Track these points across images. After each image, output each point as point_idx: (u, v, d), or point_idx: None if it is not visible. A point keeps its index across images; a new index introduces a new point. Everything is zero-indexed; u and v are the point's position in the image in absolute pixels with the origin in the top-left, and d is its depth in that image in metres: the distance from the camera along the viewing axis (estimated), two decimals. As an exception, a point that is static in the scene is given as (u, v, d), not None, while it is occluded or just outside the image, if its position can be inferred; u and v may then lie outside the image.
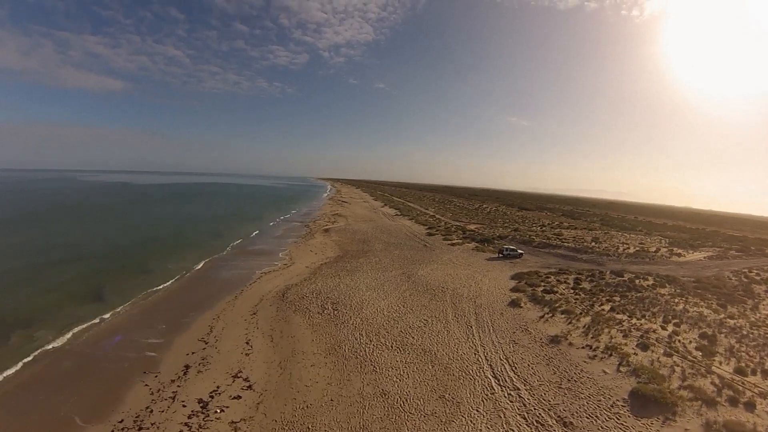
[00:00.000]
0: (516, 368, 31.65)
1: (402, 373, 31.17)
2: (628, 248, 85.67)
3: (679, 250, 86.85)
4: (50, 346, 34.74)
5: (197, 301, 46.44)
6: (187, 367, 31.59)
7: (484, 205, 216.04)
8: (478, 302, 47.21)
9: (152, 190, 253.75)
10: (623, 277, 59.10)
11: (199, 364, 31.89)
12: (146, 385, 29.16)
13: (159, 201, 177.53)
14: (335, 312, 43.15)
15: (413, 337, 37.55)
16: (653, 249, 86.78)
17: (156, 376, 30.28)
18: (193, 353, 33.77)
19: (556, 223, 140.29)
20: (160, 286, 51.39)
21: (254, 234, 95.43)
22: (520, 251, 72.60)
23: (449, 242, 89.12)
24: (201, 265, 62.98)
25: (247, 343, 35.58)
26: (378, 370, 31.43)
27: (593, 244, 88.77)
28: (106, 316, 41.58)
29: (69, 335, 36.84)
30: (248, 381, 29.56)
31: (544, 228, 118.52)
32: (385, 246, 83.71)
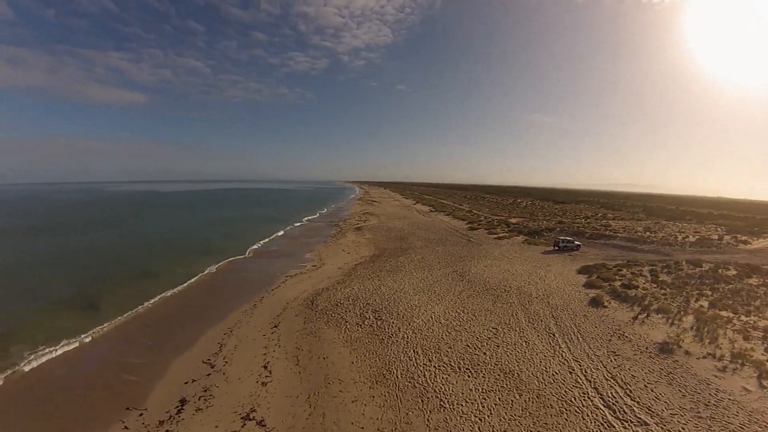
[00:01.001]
0: (631, 391, 24.15)
1: (481, 407, 22.67)
2: (687, 237, 79.34)
3: (744, 237, 79.57)
4: (18, 368, 28.30)
5: (207, 311, 39.04)
6: (183, 401, 23.77)
7: (518, 200, 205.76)
8: (551, 302, 39.82)
9: (174, 197, 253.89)
10: (702, 267, 53.43)
11: (199, 398, 23.98)
12: (126, 428, 21.54)
13: (178, 207, 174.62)
14: (379, 322, 34.53)
15: (484, 353, 29.07)
16: (715, 237, 79.98)
17: (141, 415, 22.68)
18: (193, 381, 25.96)
19: (599, 214, 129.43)
20: (167, 293, 44.45)
21: (278, 235, 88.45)
22: (577, 243, 68.24)
23: (495, 236, 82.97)
24: (215, 268, 55.93)
25: (265, 367, 27.42)
26: (447, 405, 22.81)
27: (648, 233, 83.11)
28: (96, 328, 34.75)
29: (45, 354, 30.29)
30: (264, 426, 21.33)
31: (588, 219, 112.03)
32: (426, 242, 75.48)
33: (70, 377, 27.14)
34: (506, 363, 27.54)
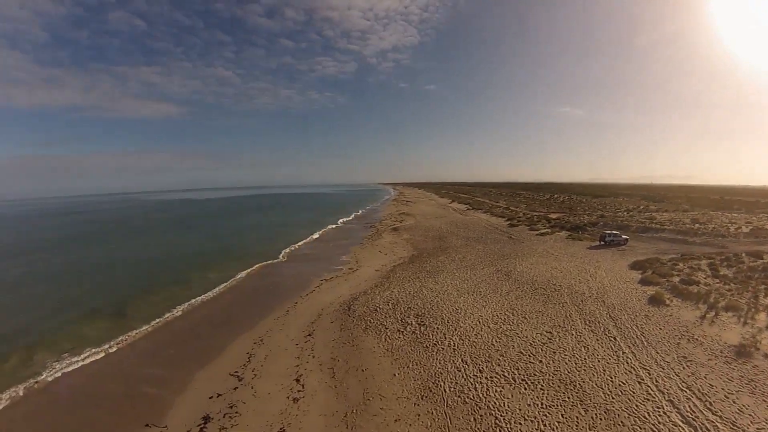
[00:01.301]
0: (711, 404, 20.72)
1: (542, 426, 19.36)
2: (740, 227, 73.31)
3: (803, 226, 72.31)
4: (40, 378, 27.21)
5: (236, 318, 36.99)
6: (206, 419, 21.36)
7: (555, 196, 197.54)
8: (607, 302, 36.06)
9: (207, 205, 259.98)
10: (763, 259, 49.07)
11: (224, 415, 21.47)
12: (144, 450, 19.14)
13: (210, 215, 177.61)
14: (422, 328, 31.16)
15: (540, 361, 25.53)
16: (770, 227, 72.72)
17: (161, 434, 20.19)
18: (218, 396, 23.54)
19: (642, 206, 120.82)
20: (196, 300, 42.91)
21: (313, 238, 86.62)
22: (624, 236, 64.66)
23: (537, 232, 78.25)
24: (247, 274, 54.25)
25: (297, 380, 24.65)
26: (503, 424, 19.55)
27: (697, 225, 77.67)
28: (122, 337, 33.36)
29: (68, 364, 29.13)
30: (295, 452, 18.36)
31: (630, 212, 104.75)
32: (466, 241, 71.51)
33: (90, 389, 25.51)
34: (566, 372, 23.91)
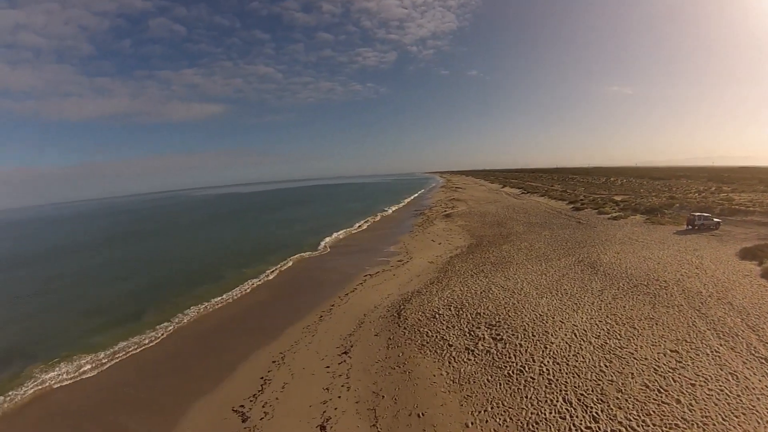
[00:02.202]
0: None
1: None
2: None
3: None
4: (24, 391, 22.77)
5: (258, 324, 30.26)
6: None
7: (611, 179, 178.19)
8: (735, 304, 26.32)
9: (252, 198, 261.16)
10: None
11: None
12: None
13: (256, 207, 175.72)
14: (499, 345, 22.53)
15: (678, 401, 16.79)
16: None
17: None
18: (212, 450, 16.26)
19: (713, 188, 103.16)
20: (217, 300, 36.62)
21: (358, 226, 79.43)
22: (716, 219, 56.83)
23: (608, 216, 66.79)
24: (278, 270, 47.42)
25: (323, 428, 16.92)
26: None
27: None
28: (123, 344, 27.60)
29: (42, 381, 23.62)
30: None
31: (702, 194, 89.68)
32: (528, 227, 61.45)
33: (61, 420, 19.30)
34: (721, 422, 14.89)
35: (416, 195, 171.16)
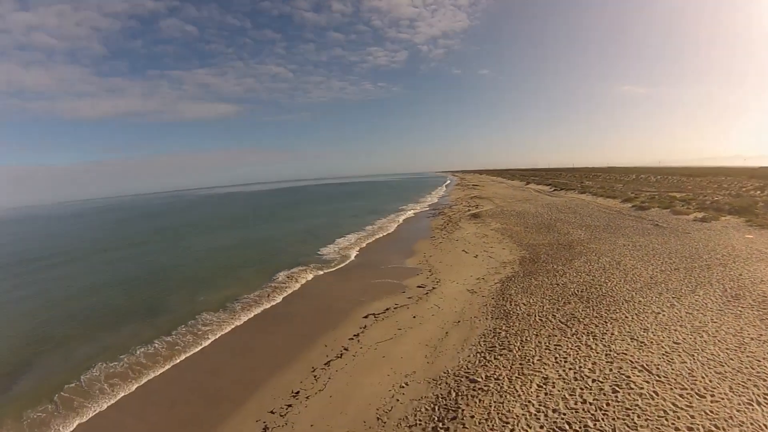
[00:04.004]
0: None
1: None
2: None
3: None
4: None
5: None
6: None
7: (641, 176, 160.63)
8: None
9: (257, 198, 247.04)
10: None
11: None
12: None
13: (251, 209, 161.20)
14: None
15: None
16: None
17: None
18: None
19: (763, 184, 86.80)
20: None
21: (363, 231, 63.79)
22: None
23: (687, 217, 50.06)
24: (227, 328, 32.12)
25: None
26: None
27: None
28: None
29: None
30: None
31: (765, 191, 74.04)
32: (590, 231, 45.39)
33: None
34: None
35: (432, 193, 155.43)
